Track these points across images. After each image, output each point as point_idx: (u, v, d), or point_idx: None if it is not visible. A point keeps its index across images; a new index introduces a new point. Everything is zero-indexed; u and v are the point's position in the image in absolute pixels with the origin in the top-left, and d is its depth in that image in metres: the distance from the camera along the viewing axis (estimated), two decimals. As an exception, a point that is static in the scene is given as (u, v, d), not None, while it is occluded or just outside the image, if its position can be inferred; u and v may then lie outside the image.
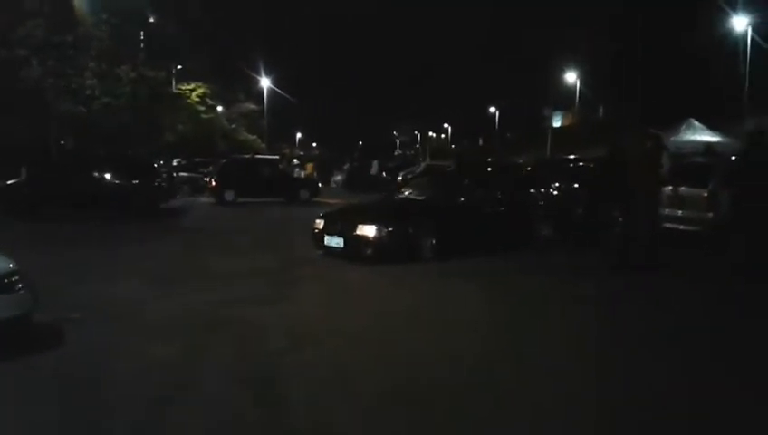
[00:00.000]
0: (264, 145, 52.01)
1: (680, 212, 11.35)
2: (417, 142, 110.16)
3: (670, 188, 11.07)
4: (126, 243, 12.54)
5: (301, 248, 11.35)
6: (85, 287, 8.11)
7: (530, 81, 61.62)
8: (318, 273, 9.57)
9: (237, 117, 52.53)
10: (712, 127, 24.39)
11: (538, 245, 11.85)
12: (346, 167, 40.89)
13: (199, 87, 44.48)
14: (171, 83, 38.54)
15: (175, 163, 31.72)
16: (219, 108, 48.86)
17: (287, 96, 53.98)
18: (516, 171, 16.93)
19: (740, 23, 33.97)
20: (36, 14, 23.08)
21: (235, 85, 51.60)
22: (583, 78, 53.43)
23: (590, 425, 4.28)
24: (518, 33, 65.29)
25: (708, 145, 19.10)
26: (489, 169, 17.75)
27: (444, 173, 14.00)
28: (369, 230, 10.13)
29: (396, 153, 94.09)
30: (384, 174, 33.86)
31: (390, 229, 10.15)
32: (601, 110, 61.56)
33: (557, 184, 13.82)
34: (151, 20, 30.77)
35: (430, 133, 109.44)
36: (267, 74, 52.16)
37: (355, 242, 10.19)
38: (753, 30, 33.71)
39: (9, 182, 18.12)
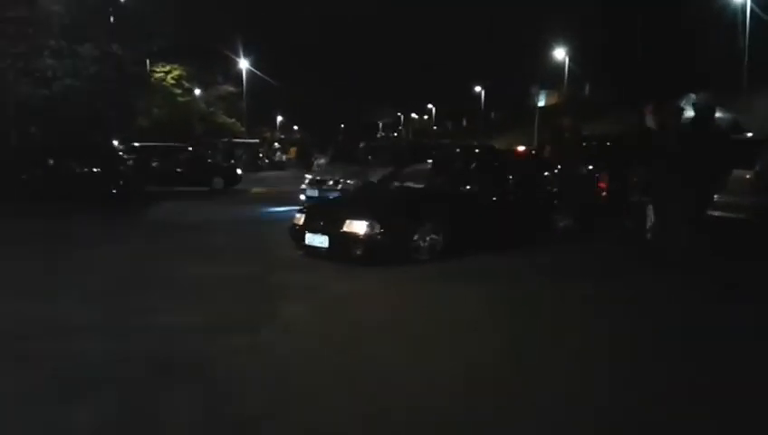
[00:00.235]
0: (243, 129, 50.29)
1: (721, 197, 9.80)
2: (400, 124, 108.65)
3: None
4: (78, 242, 10.87)
5: (275, 249, 9.79)
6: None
7: (516, 58, 60.20)
8: (297, 281, 7.87)
9: (215, 100, 50.53)
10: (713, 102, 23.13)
11: (555, 238, 10.31)
12: (330, 149, 39.19)
13: (175, 69, 42.62)
14: (145, 64, 36.64)
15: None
16: (197, 91, 46.94)
17: (267, 78, 52.29)
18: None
19: (739, -7, 32.69)
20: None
21: (213, 67, 49.63)
22: (572, 54, 51.72)
23: None
24: (505, 8, 63.60)
25: (736, 119, 17.60)
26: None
27: (445, 157, 12.18)
28: (358, 227, 8.53)
29: (378, 135, 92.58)
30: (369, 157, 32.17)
31: (384, 225, 8.54)
32: (587, 87, 60.28)
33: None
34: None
35: (413, 115, 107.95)
36: (246, 56, 50.49)
37: (342, 241, 8.60)
38: (753, 0, 32.40)
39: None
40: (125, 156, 22.97)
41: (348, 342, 5.52)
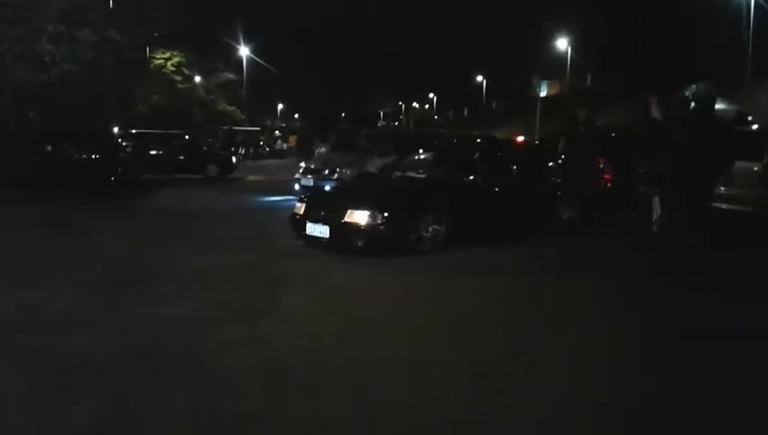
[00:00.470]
0: (243, 116, 50.02)
1: (728, 189, 9.64)
2: (401, 113, 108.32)
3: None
4: (74, 230, 10.71)
5: (277, 239, 9.62)
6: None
7: (518, 48, 59.89)
8: (298, 272, 7.71)
9: (215, 87, 50.20)
10: (717, 94, 22.93)
11: (558, 229, 10.16)
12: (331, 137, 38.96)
13: (175, 56, 42.30)
14: (144, 50, 36.37)
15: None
16: (197, 78, 46.62)
17: (268, 66, 51.93)
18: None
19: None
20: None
21: (214, 54, 49.28)
22: (575, 45, 51.34)
23: None
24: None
25: (740, 111, 17.41)
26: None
27: (448, 147, 11.99)
28: (360, 217, 8.37)
29: (379, 124, 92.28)
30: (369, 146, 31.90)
31: (386, 215, 8.38)
32: (589, 78, 59.99)
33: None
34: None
35: (414, 104, 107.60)
36: (246, 43, 50.13)
37: (343, 231, 8.43)
38: (758, -8, 32.16)
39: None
40: (123, 143, 22.80)
41: (349, 334, 5.36)
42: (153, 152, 22.78)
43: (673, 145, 7.87)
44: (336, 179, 13.85)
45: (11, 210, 13.06)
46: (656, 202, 9.06)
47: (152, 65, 39.54)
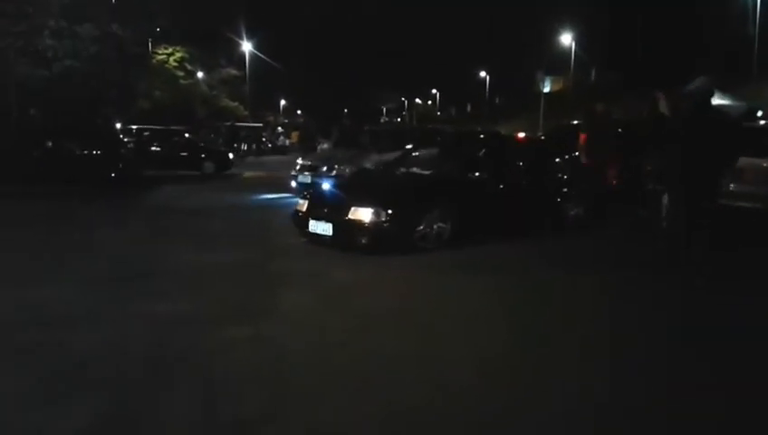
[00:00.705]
0: (246, 112, 49.85)
1: (737, 187, 9.47)
2: (403, 109, 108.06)
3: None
4: (74, 226, 10.60)
5: (278, 236, 9.50)
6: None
7: (522, 44, 59.63)
8: (301, 270, 7.58)
9: (218, 83, 50.03)
10: (722, 89, 22.79)
11: (566, 226, 10.02)
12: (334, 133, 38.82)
13: (177, 51, 42.15)
14: (146, 45, 36.23)
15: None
16: (199, 74, 46.45)
17: (271, 61, 51.73)
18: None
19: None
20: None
21: (216, 50, 49.11)
22: (579, 39, 51.07)
23: None
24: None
25: (750, 107, 17.24)
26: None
27: (452, 143, 11.77)
28: (364, 214, 8.23)
29: (382, 120, 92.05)
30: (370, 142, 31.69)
31: (390, 212, 8.24)
32: (593, 73, 59.77)
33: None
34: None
35: (417, 100, 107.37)
36: (249, 39, 49.90)
37: (347, 228, 8.29)
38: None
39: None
40: (125, 138, 22.67)
41: (354, 334, 5.24)
42: (151, 148, 22.60)
43: (680, 140, 7.71)
44: (334, 176, 13.61)
45: (12, 206, 12.97)
46: (665, 198, 8.90)
47: (154, 61, 39.40)
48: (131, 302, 6.01)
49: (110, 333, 5.13)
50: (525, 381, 4.38)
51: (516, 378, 4.44)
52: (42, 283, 6.68)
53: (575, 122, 20.36)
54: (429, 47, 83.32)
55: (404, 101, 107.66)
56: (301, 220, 8.92)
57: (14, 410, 3.81)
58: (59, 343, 4.86)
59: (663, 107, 8.44)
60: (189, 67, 44.10)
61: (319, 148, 36.82)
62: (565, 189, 10.24)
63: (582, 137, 10.19)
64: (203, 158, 22.92)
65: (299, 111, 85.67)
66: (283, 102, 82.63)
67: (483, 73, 77.94)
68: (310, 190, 9.89)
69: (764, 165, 9.45)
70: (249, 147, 39.30)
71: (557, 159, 10.79)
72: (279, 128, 52.54)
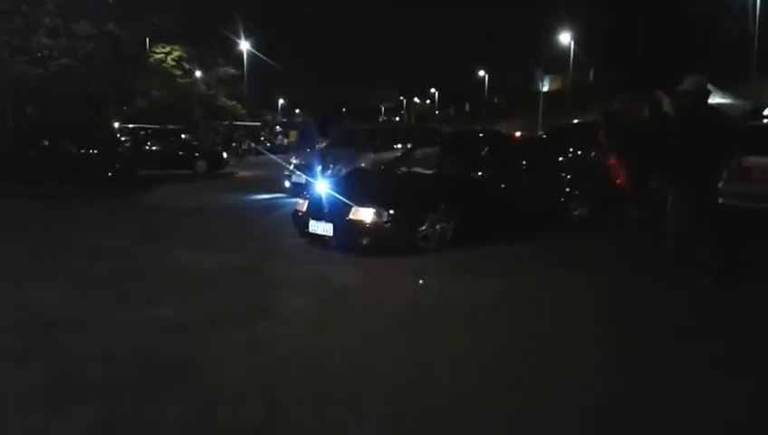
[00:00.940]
0: (244, 111, 49.66)
1: (744, 187, 9.30)
2: (402, 108, 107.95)
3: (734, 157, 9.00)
4: (69, 227, 10.43)
5: (275, 237, 9.35)
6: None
7: (521, 43, 59.54)
8: (300, 272, 7.39)
9: (216, 82, 49.83)
10: (722, 88, 22.68)
11: (569, 227, 9.86)
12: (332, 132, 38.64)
13: (175, 50, 41.96)
14: (143, 44, 36.02)
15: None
16: (197, 73, 46.23)
17: (269, 60, 51.46)
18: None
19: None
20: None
21: (214, 49, 48.89)
22: (578, 39, 50.88)
23: None
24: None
25: (755, 106, 17.10)
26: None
27: (455, 141, 11.56)
28: (365, 214, 8.06)
29: (380, 119, 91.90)
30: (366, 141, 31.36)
31: (392, 213, 8.08)
32: (592, 73, 59.69)
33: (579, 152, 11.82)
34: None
35: (416, 99, 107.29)
36: (247, 38, 49.65)
37: (348, 229, 8.13)
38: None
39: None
40: (122, 137, 22.51)
41: (356, 339, 5.06)
42: (147, 148, 22.44)
43: (679, 139, 7.55)
44: (329, 177, 13.27)
45: (7, 206, 12.81)
46: (670, 199, 8.74)
47: (152, 60, 39.26)
48: (126, 306, 5.84)
49: (103, 339, 4.96)
50: (529, 382, 4.23)
51: (521, 381, 4.29)
52: (35, 285, 6.51)
53: (576, 121, 20.29)
54: (428, 46, 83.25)
55: (402, 100, 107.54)
56: (301, 220, 8.76)
57: (1, 418, 3.65)
58: (50, 350, 4.69)
59: (667, 106, 8.30)
60: (187, 66, 43.91)
61: (317, 147, 36.65)
62: (569, 189, 10.07)
63: (601, 134, 9.96)
64: (196, 157, 22.73)
65: (297, 111, 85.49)
66: (281, 102, 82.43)
67: (481, 72, 77.78)
68: (306, 191, 9.73)
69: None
70: (249, 146, 39.15)
71: (560, 159, 10.63)
72: (277, 127, 52.39)
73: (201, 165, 22.42)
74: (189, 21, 37.64)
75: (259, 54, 50.98)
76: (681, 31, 37.22)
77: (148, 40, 37.26)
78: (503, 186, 9.32)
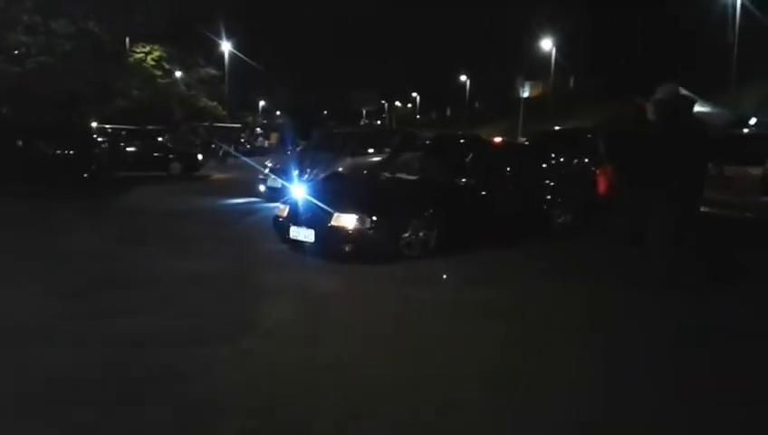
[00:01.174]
0: (224, 113, 49.25)
1: (726, 196, 9.27)
2: (383, 112, 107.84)
3: (711, 165, 8.96)
4: (43, 229, 10.17)
5: (255, 243, 9.17)
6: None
7: (502, 48, 59.67)
8: (281, 279, 7.21)
9: (196, 83, 49.38)
10: (703, 97, 22.81)
11: (553, 234, 9.77)
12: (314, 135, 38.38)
13: (155, 50, 41.55)
14: (123, 43, 35.62)
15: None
16: (177, 73, 45.79)
17: (250, 62, 51.06)
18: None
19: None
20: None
21: (195, 49, 48.46)
22: (559, 45, 51.10)
23: None
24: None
25: (742, 116, 17.16)
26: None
27: (438, 146, 11.38)
28: (347, 220, 7.90)
29: (362, 122, 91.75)
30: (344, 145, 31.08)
31: (375, 219, 7.93)
32: (572, 80, 59.99)
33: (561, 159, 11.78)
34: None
35: (397, 103, 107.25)
36: (228, 39, 49.22)
37: (330, 235, 7.96)
38: (744, -6, 32.06)
39: None
40: (99, 138, 22.14)
41: (340, 352, 4.89)
42: (124, 148, 22.09)
43: (662, 147, 7.49)
44: (306, 181, 13.01)
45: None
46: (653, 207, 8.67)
47: (132, 59, 38.86)
48: (99, 316, 5.63)
49: (76, 352, 4.75)
50: (522, 398, 4.09)
51: (511, 393, 4.17)
52: (6, 292, 6.28)
53: (557, 128, 20.27)
54: (410, 50, 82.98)
55: (384, 104, 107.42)
56: (282, 226, 8.58)
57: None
58: (19, 362, 4.49)
59: (651, 114, 8.22)
60: (167, 66, 43.51)
61: (297, 151, 36.37)
62: (552, 196, 9.99)
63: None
64: (170, 158, 22.38)
65: (278, 112, 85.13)
66: (262, 103, 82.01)
67: (463, 77, 77.91)
68: (281, 195, 9.54)
69: (754, 173, 9.27)
70: (228, 148, 38.80)
71: (543, 165, 10.54)
72: (258, 129, 52.04)
73: (175, 167, 22.07)
74: (170, 20, 37.32)
75: (240, 55, 50.60)
76: (663, 38, 37.48)
77: (128, 39, 36.87)
78: (487, 192, 9.19)
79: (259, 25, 58.67)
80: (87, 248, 8.70)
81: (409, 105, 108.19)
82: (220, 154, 31.55)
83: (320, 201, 8.35)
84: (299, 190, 9.39)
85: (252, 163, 20.77)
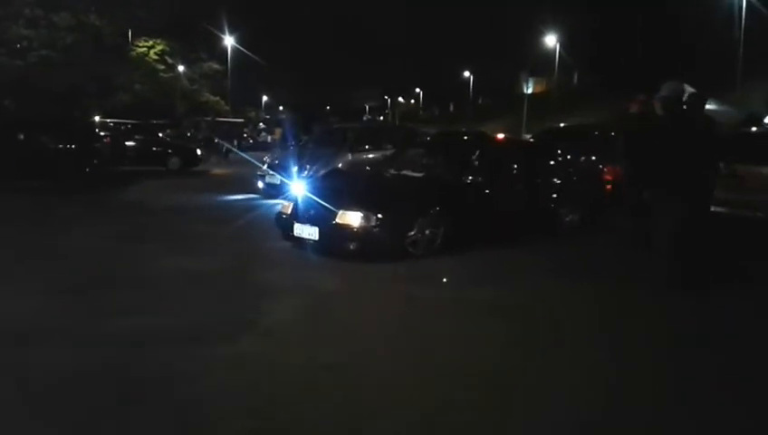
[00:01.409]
0: (227, 107, 49.14)
1: (737, 195, 9.13)
2: (386, 108, 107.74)
3: (722, 165, 8.83)
4: (44, 225, 10.07)
5: (257, 240, 9.04)
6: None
7: (506, 44, 59.52)
8: (285, 278, 7.08)
9: (199, 77, 49.25)
10: (709, 95, 22.65)
11: (560, 233, 9.64)
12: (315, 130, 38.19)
13: (158, 44, 41.45)
14: (125, 37, 35.48)
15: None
16: (180, 67, 45.66)
17: (253, 56, 50.90)
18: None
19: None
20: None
21: (198, 44, 48.30)
22: (563, 41, 50.90)
23: None
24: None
25: (751, 113, 17.02)
26: None
27: (443, 143, 11.23)
28: (352, 218, 7.77)
29: (365, 118, 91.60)
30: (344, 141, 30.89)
31: (381, 217, 7.80)
32: (576, 76, 59.85)
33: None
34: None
35: (400, 99, 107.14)
36: (231, 33, 49.07)
37: (334, 233, 7.83)
38: (750, -9, 31.90)
39: None
40: (101, 133, 21.99)
41: (342, 352, 4.77)
42: (125, 143, 21.92)
43: (670, 145, 7.36)
44: (306, 177, 12.76)
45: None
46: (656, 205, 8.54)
47: (134, 53, 38.75)
48: (101, 314, 5.52)
49: (76, 351, 4.64)
50: (527, 400, 4.00)
51: (512, 393, 4.12)
52: (4, 291, 6.17)
53: (563, 125, 20.10)
54: (413, 46, 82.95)
55: (387, 100, 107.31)
56: (285, 223, 8.45)
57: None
58: (19, 362, 4.38)
59: (659, 110, 8.08)
60: (170, 60, 43.40)
61: (300, 146, 36.16)
62: (559, 195, 9.85)
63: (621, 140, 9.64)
64: (169, 153, 22.20)
65: (281, 108, 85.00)
66: (265, 98, 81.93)
67: (466, 73, 77.71)
68: (280, 192, 9.39)
69: (763, 172, 9.13)
70: (231, 143, 38.69)
71: (551, 163, 10.38)
72: (261, 124, 51.93)
73: (174, 162, 21.85)
74: (172, 15, 37.19)
75: (243, 50, 50.45)
76: (667, 35, 37.30)
77: (130, 33, 36.76)
78: (493, 190, 9.06)
79: (262, 20, 58.62)
80: (87, 245, 8.58)
81: (412, 101, 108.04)
82: (223, 150, 31.42)
83: (324, 198, 8.21)
84: (298, 187, 9.23)
85: (252, 160, 20.61)
